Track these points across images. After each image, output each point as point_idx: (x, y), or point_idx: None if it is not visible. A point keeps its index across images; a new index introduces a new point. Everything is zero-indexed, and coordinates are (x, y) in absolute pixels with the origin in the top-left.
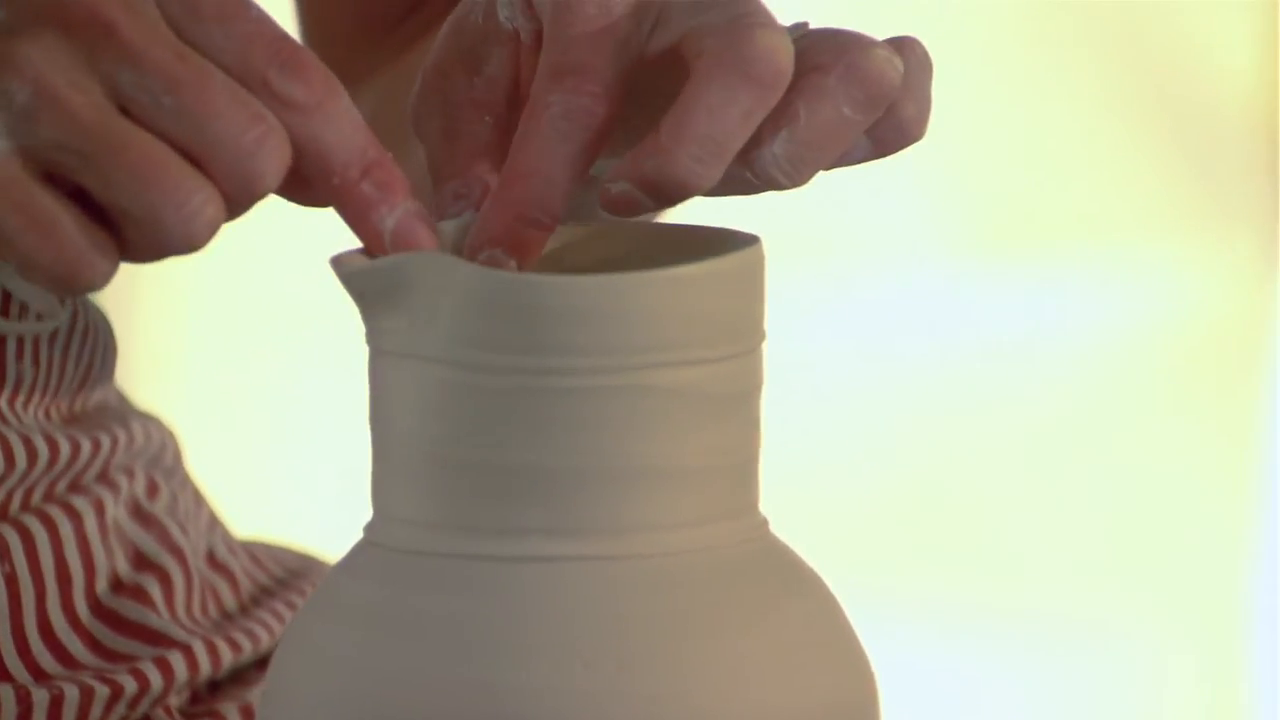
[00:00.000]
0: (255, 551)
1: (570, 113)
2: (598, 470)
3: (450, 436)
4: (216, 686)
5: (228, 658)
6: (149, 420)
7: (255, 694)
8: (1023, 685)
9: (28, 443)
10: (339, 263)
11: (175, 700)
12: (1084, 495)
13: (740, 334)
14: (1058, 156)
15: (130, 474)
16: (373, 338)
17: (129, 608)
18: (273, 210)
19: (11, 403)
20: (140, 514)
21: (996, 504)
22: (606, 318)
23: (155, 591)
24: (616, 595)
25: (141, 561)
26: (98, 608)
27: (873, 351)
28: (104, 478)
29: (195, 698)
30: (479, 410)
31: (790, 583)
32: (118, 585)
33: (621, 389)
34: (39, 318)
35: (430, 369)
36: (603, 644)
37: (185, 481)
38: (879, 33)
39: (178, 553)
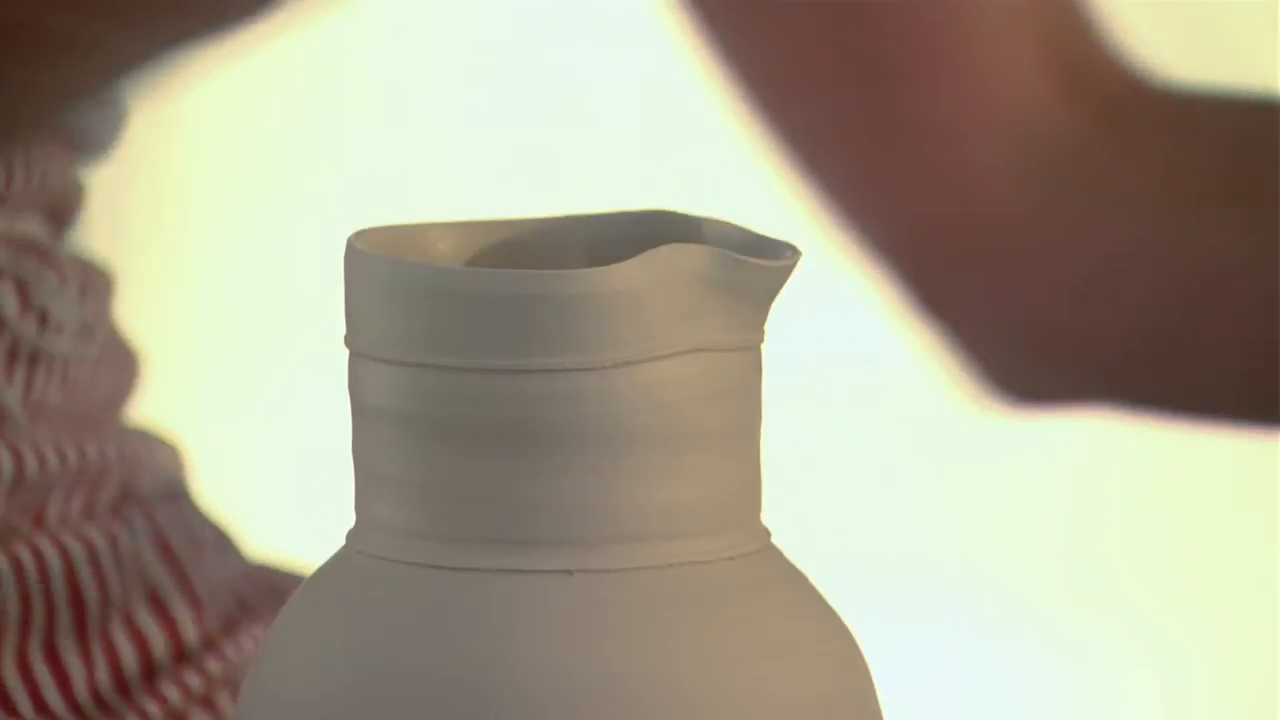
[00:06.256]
0: None
1: None
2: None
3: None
4: None
5: None
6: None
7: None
8: (1041, 692)
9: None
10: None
11: None
12: (1113, 492)
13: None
14: None
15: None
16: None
17: None
18: (258, 214)
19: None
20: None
21: (1018, 507)
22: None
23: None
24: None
25: None
26: None
27: (882, 349)
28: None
29: None
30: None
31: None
32: None
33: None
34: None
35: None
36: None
37: None
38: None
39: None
